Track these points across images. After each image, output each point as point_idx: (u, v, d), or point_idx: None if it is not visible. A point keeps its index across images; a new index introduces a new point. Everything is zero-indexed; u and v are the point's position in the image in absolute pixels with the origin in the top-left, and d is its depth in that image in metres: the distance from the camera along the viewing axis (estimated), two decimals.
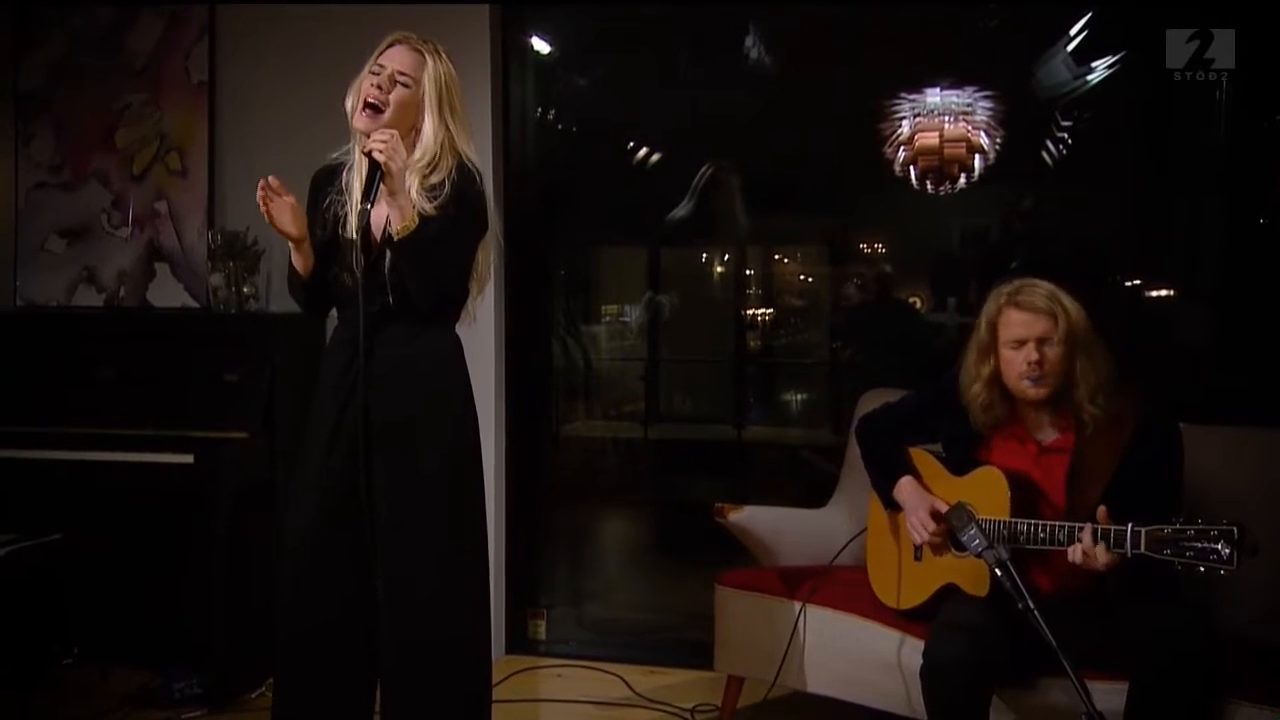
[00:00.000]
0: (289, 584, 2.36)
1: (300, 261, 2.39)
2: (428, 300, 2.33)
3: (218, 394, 3.31)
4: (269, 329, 3.44)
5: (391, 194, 2.24)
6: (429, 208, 2.29)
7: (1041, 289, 2.47)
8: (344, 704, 2.37)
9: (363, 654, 2.35)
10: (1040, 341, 2.43)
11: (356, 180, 2.35)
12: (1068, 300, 2.46)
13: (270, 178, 2.29)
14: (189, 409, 3.29)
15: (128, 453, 3.21)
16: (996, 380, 2.52)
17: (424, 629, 2.31)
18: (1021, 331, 2.45)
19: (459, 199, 2.33)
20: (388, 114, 2.30)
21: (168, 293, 3.78)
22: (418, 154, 2.33)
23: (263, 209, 2.29)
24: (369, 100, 2.30)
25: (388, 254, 2.31)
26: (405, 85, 2.31)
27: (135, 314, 3.75)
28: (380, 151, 2.20)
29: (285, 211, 2.30)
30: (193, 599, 3.33)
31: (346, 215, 2.35)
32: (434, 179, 2.33)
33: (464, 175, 2.36)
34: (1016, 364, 2.46)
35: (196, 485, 3.18)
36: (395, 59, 2.32)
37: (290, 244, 2.37)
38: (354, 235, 2.30)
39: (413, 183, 2.30)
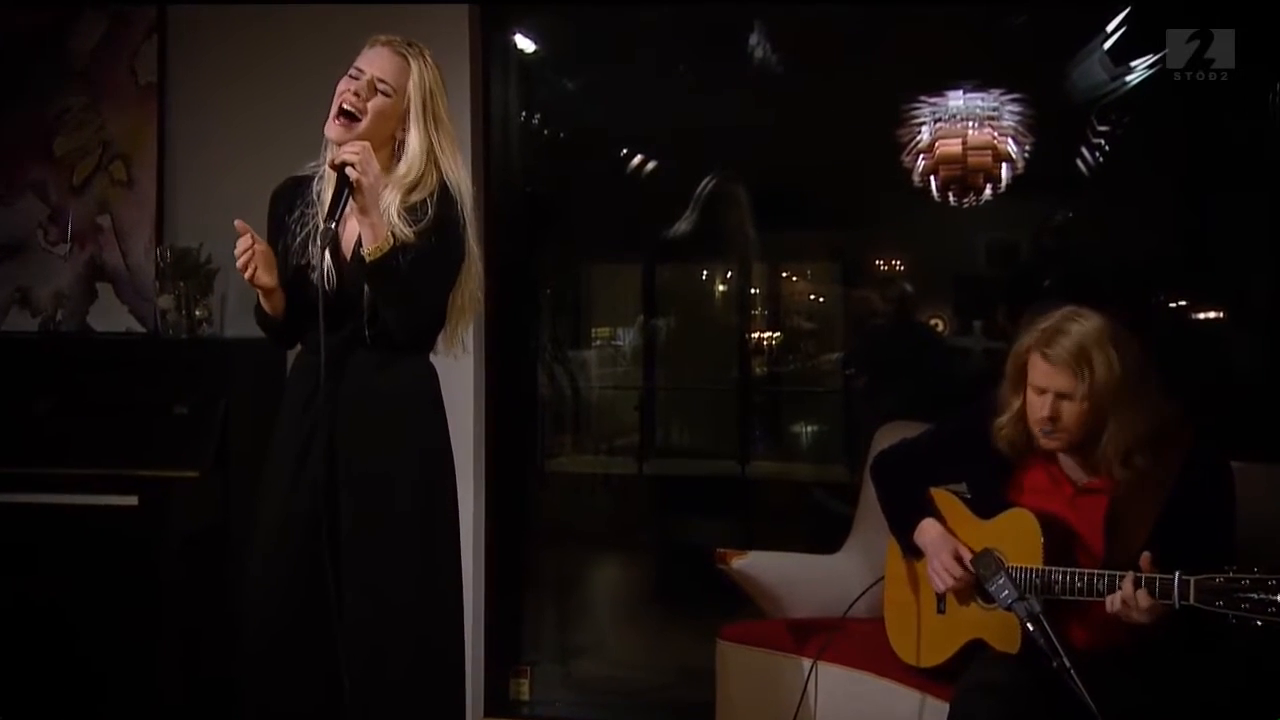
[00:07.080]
0: (253, 632, 2.37)
1: (271, 305, 2.41)
2: (403, 330, 2.37)
3: (166, 428, 3.30)
4: (223, 356, 3.44)
5: (363, 211, 2.25)
6: (408, 232, 2.31)
7: (1071, 339, 2.40)
8: None
9: (335, 704, 2.33)
10: (1059, 396, 2.42)
11: (328, 192, 2.35)
12: (1100, 356, 2.39)
13: (240, 232, 2.26)
14: (134, 445, 3.26)
15: (64, 494, 3.18)
16: (1023, 418, 2.51)
17: (390, 679, 2.31)
18: (1042, 381, 2.44)
19: (440, 227, 2.35)
20: (364, 123, 2.33)
21: (111, 316, 3.76)
22: (401, 169, 2.37)
23: (248, 274, 2.28)
24: (344, 107, 2.31)
25: (359, 275, 2.32)
26: (385, 94, 2.33)
27: (74, 340, 3.73)
28: (352, 165, 2.19)
29: (265, 263, 2.30)
30: (137, 656, 3.29)
31: (314, 231, 2.35)
32: (415, 197, 2.37)
33: (445, 200, 2.38)
34: (1034, 410, 2.46)
35: (142, 530, 3.15)
36: (376, 64, 2.33)
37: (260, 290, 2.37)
38: (320, 254, 2.29)
39: (393, 200, 2.33)
